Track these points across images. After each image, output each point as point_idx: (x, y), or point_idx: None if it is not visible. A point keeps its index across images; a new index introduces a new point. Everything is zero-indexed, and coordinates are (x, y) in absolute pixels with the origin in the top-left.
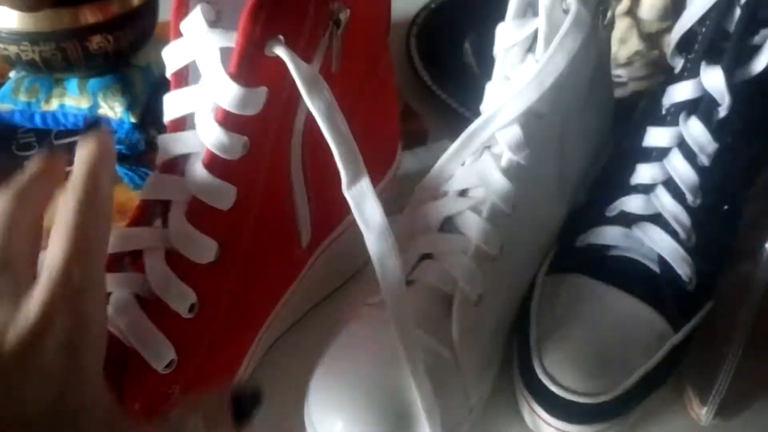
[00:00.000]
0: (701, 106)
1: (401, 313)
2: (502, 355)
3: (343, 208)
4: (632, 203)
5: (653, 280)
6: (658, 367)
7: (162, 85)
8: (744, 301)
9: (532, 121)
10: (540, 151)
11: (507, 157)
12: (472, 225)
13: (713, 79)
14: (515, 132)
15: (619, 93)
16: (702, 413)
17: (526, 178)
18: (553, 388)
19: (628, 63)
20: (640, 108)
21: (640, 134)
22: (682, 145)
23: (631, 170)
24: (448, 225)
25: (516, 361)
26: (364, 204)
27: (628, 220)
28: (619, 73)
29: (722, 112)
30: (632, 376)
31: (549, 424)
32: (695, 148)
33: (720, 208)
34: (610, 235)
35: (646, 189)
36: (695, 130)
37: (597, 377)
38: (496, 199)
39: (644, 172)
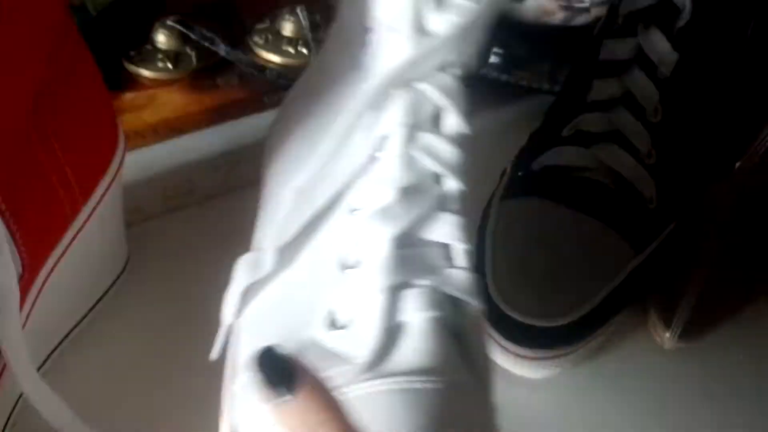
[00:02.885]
0: (660, 13)
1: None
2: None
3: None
4: (589, 121)
5: (613, 201)
6: (619, 289)
7: (97, 25)
8: (711, 221)
9: None
10: None
11: None
12: None
13: None
14: None
15: (581, 20)
16: (666, 336)
17: None
18: (509, 312)
19: None
20: (600, 22)
21: (597, 48)
22: (641, 56)
23: (587, 87)
24: None
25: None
26: None
27: (585, 139)
28: None
29: (683, 19)
30: (592, 299)
31: (506, 349)
32: (654, 60)
33: (684, 124)
34: (567, 155)
35: (604, 105)
36: (654, 40)
37: (554, 300)
38: None
39: (601, 88)
